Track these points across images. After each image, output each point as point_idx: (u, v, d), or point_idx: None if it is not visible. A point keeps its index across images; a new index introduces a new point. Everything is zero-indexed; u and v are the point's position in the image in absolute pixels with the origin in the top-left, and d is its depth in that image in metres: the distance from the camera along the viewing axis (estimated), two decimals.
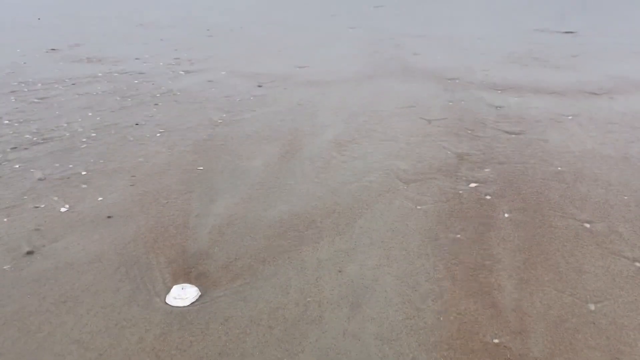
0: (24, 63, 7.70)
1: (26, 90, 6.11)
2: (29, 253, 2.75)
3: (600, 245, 2.80)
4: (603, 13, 14.30)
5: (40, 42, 9.62)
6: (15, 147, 4.27)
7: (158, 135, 4.61)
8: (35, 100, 5.69)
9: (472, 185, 3.55)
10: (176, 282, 2.49)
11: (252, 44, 9.56)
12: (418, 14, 14.25)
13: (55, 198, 3.39)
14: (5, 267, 2.62)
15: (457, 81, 6.62)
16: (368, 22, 12.83)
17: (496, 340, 2.11)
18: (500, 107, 5.41)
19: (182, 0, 18.12)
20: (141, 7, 16.31)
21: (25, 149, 4.25)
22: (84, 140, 4.45)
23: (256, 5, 16.85)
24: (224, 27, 11.88)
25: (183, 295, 2.34)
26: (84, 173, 3.79)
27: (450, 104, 5.57)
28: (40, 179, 3.61)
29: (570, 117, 5.05)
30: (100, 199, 3.38)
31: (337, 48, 9.18)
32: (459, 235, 2.90)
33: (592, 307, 2.30)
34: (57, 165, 3.92)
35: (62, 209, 3.24)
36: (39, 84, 6.40)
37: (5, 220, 3.10)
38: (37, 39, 9.97)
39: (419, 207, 3.23)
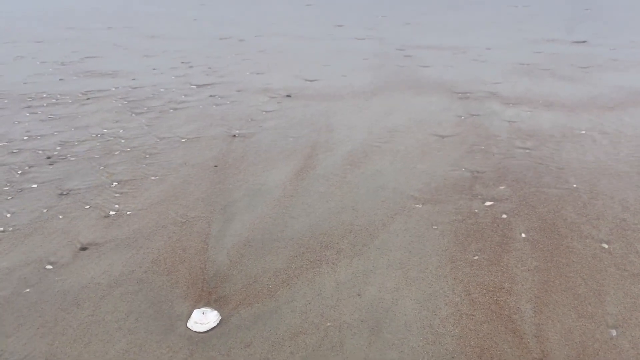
0: (39, 77, 7.82)
1: (45, 105, 6.20)
2: (49, 273, 2.78)
3: (618, 267, 2.79)
4: (613, 21, 14.27)
5: (53, 55, 9.76)
6: (33, 165, 4.33)
7: (173, 152, 4.65)
8: (50, 116, 5.77)
9: (488, 203, 3.56)
10: (196, 306, 2.51)
11: (262, 57, 9.64)
12: (425, 24, 14.29)
13: (74, 216, 3.43)
14: (27, 290, 2.66)
15: (467, 94, 6.64)
16: (375, 32, 12.89)
17: None
18: (512, 122, 5.41)
19: (190, 13, 18.32)
20: (150, 19, 16.51)
21: (40, 167, 4.31)
22: (97, 157, 4.51)
23: (261, 16, 16.99)
24: (233, 39, 11.99)
25: (204, 320, 2.36)
26: (98, 194, 3.83)
27: (462, 118, 5.58)
28: (62, 194, 3.65)
29: (583, 132, 5.05)
30: (119, 219, 3.42)
31: (346, 60, 9.23)
32: (476, 257, 2.90)
33: (613, 332, 2.29)
34: (75, 184, 3.97)
35: (81, 231, 3.28)
36: (54, 99, 6.49)
37: (23, 239, 3.14)
38: (48, 52, 10.12)
39: (434, 227, 3.24)
